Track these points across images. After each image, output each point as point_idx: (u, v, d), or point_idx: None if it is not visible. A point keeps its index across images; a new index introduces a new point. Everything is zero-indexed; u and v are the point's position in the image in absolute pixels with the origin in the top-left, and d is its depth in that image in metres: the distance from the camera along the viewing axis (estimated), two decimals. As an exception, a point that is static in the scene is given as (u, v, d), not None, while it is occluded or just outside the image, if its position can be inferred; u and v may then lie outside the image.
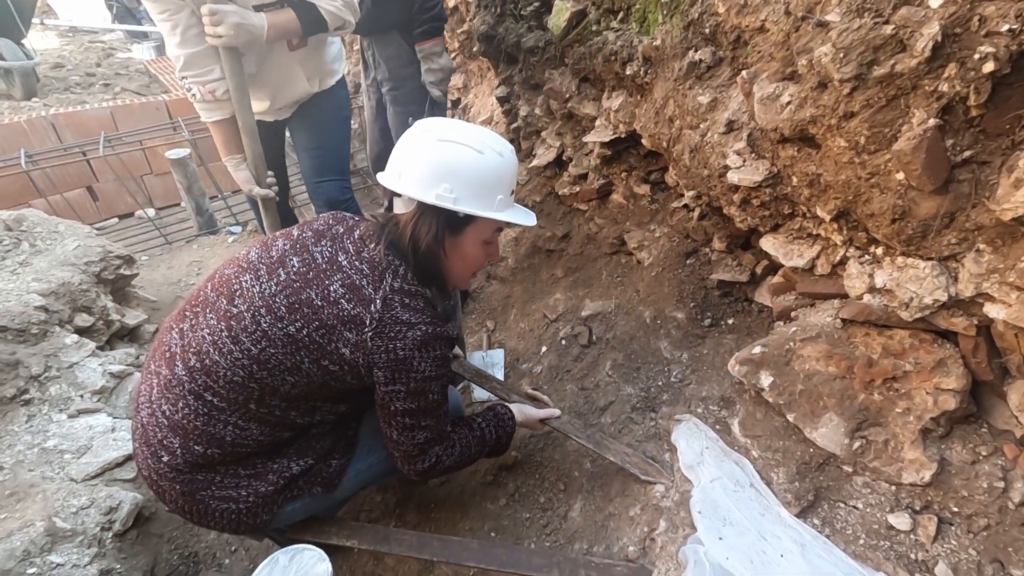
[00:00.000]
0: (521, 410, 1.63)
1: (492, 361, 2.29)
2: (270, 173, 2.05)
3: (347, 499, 1.59)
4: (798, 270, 1.43)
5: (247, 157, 1.98)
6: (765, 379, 1.38)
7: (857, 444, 1.25)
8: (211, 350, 1.16)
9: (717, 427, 1.57)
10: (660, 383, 1.81)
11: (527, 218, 1.31)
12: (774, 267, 1.74)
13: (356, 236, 1.26)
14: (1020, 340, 1.09)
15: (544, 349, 2.26)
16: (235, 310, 1.16)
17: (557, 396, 2.04)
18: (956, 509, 1.17)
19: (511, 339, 2.42)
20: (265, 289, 1.17)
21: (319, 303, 1.14)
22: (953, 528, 1.17)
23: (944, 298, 1.08)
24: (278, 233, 1.31)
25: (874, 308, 1.21)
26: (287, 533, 1.46)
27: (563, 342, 2.21)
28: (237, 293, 1.18)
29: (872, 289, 1.21)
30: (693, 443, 1.53)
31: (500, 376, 2.22)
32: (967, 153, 0.98)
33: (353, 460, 1.44)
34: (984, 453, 1.16)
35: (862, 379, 1.25)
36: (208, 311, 1.20)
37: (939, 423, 1.18)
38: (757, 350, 1.40)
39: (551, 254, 2.57)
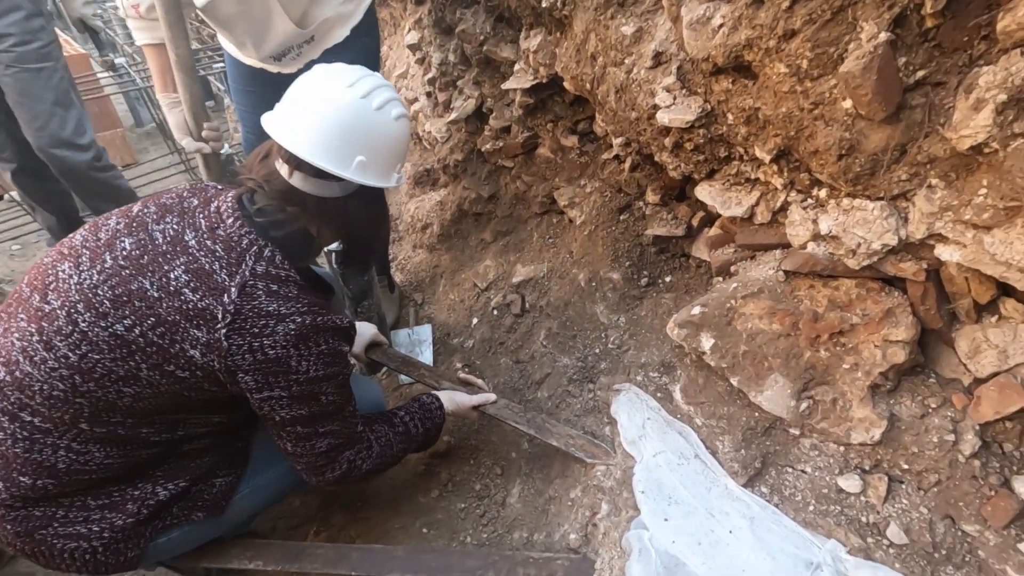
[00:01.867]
0: (451, 398, 1.45)
1: (419, 338, 2.10)
2: (215, 123, 1.65)
3: (251, 518, 1.39)
4: (736, 220, 1.30)
5: (181, 99, 1.60)
6: (706, 341, 1.26)
7: (804, 405, 1.16)
8: (21, 359, 0.91)
9: (659, 395, 1.45)
10: (597, 351, 1.68)
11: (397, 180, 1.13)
12: (711, 218, 1.61)
13: (212, 209, 1.02)
14: (971, 283, 1.00)
15: (475, 321, 2.09)
16: (47, 308, 0.91)
17: (491, 372, 1.89)
18: (906, 466, 1.10)
19: (440, 312, 2.23)
20: (84, 279, 0.92)
21: (155, 294, 0.91)
22: (904, 487, 1.10)
23: (894, 242, 0.97)
24: (116, 211, 1.05)
25: (819, 257, 1.09)
26: (176, 563, 1.24)
27: (495, 312, 2.04)
28: (51, 286, 0.93)
29: (816, 236, 1.09)
30: (634, 415, 1.41)
31: (428, 355, 2.04)
32: (921, 73, 0.85)
33: (246, 476, 1.23)
34: (933, 405, 1.08)
35: (807, 336, 1.14)
36: (20, 311, 0.95)
37: (887, 377, 1.09)
38: (696, 311, 1.27)
39: (479, 218, 2.37)
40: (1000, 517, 1.00)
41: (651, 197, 1.75)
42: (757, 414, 1.25)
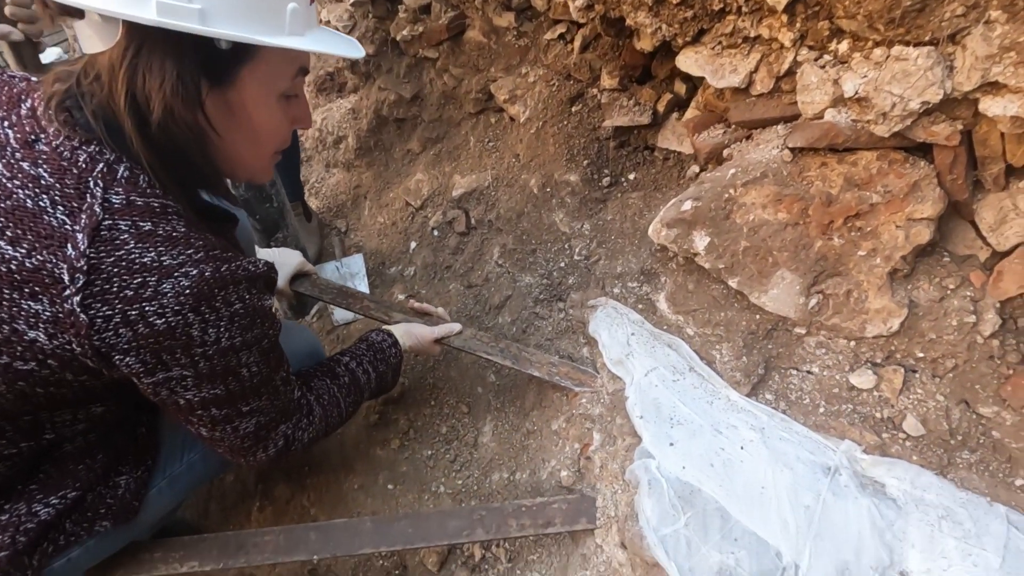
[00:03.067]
0: (408, 331, 1.21)
1: (351, 271, 1.81)
2: None
3: (176, 510, 1.13)
4: (726, 93, 1.10)
5: None
6: (700, 241, 1.09)
7: (813, 302, 1.03)
8: None
9: (640, 307, 1.29)
10: (563, 264, 1.48)
11: (345, 46, 0.79)
12: (680, 101, 1.40)
13: (25, 112, 0.68)
14: (1008, 144, 0.86)
15: (414, 245, 1.81)
16: None
17: (440, 300, 1.65)
18: (921, 354, 1.01)
19: (370, 239, 1.93)
20: None
21: None
22: (918, 376, 1.03)
23: (938, 97, 0.81)
24: None
25: (840, 127, 0.92)
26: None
27: (436, 233, 1.78)
28: None
29: (838, 101, 0.91)
30: (616, 332, 1.25)
31: (363, 289, 1.76)
32: None
33: (160, 466, 0.96)
34: (952, 286, 0.99)
35: (819, 223, 0.99)
36: None
37: (906, 261, 0.98)
38: (688, 206, 1.08)
39: (402, 124, 2.03)
40: (1019, 396, 0.94)
41: (607, 82, 1.50)
42: (759, 316, 1.12)
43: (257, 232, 1.49)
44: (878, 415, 1.02)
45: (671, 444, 1.05)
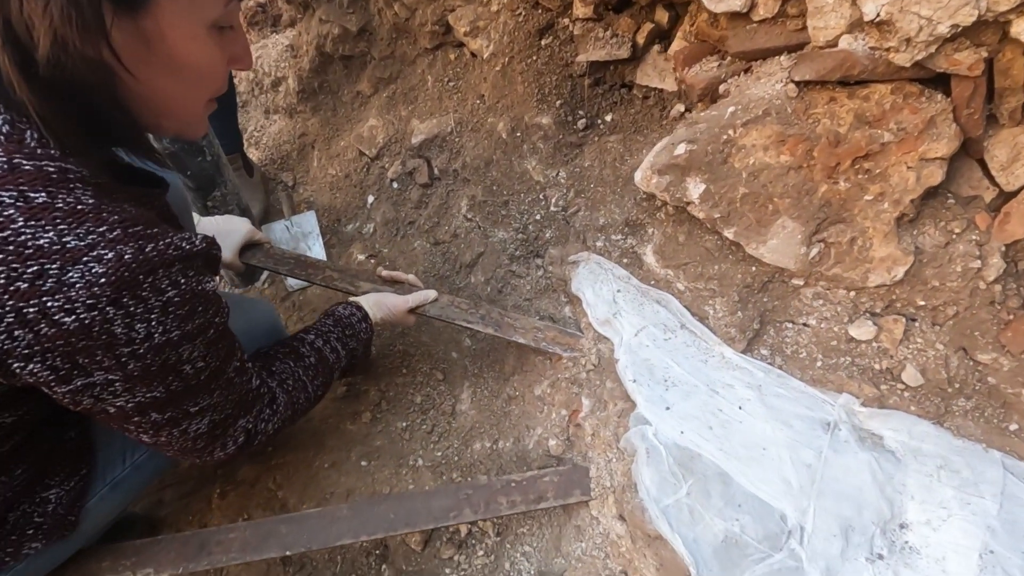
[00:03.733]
0: (378, 302, 1.09)
1: (302, 230, 1.64)
2: None
3: (122, 513, 1.00)
4: (722, 20, 0.98)
5: None
6: (694, 188, 0.99)
7: (815, 251, 0.97)
8: None
9: (625, 262, 1.20)
10: (538, 217, 1.37)
11: None
12: (661, 32, 1.27)
13: None
14: (1031, 72, 0.79)
15: (372, 200, 1.66)
16: None
17: (404, 261, 1.52)
18: (922, 303, 0.97)
19: (322, 194, 1.76)
20: None
21: None
22: (918, 324, 0.99)
23: (972, 18, 0.72)
24: None
25: (856, 56, 0.82)
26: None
27: (395, 185, 1.62)
28: None
29: (855, 26, 0.81)
30: (601, 289, 1.16)
31: (319, 250, 1.61)
32: None
33: (97, 474, 0.84)
34: (957, 231, 0.94)
35: (824, 165, 0.91)
36: None
37: (914, 205, 0.91)
38: (681, 149, 0.98)
39: (349, 62, 1.81)
40: (1018, 341, 0.92)
41: (580, 10, 1.35)
42: (755, 268, 1.05)
43: (190, 192, 1.31)
44: (877, 367, 0.99)
45: (667, 408, 0.99)
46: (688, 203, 1.02)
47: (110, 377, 0.58)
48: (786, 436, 0.95)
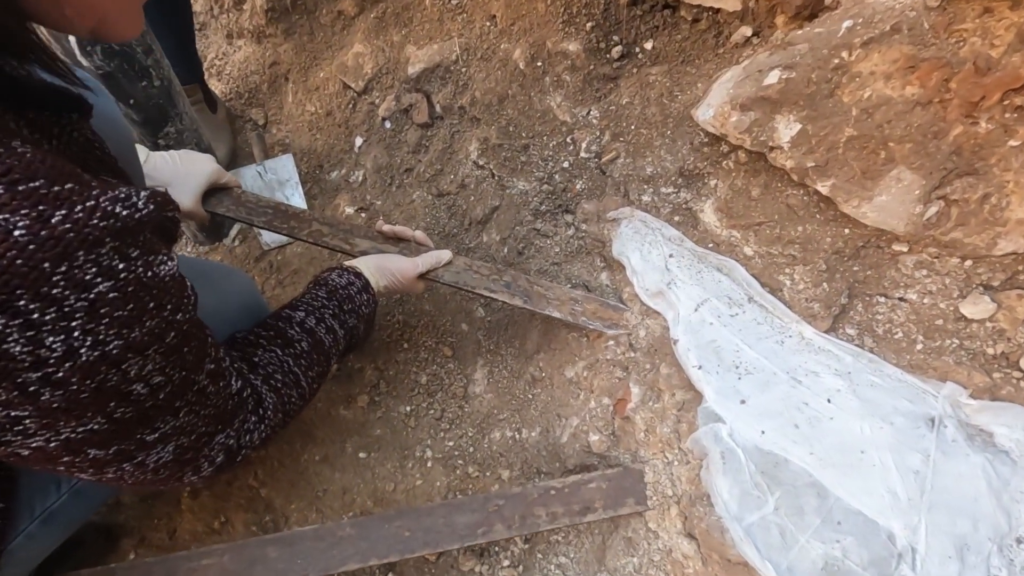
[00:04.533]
0: (381, 267, 0.88)
1: (278, 178, 1.39)
2: None
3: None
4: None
5: None
6: (786, 129, 0.79)
7: (933, 211, 0.78)
8: None
9: (677, 220, 1.00)
10: (566, 165, 1.15)
11: None
12: (724, -67, 1.02)
13: None
14: None
15: (360, 142, 1.40)
16: None
17: (401, 215, 1.29)
18: (1052, 274, 0.80)
19: (300, 135, 1.49)
20: None
21: None
22: (1042, 300, 0.82)
23: None
24: None
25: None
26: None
27: (388, 125, 1.37)
28: None
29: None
30: (650, 253, 0.96)
31: (298, 201, 1.37)
32: None
33: (20, 509, 0.64)
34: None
35: (964, 100, 0.71)
36: None
37: (1066, 152, 0.72)
38: (774, 77, 0.77)
39: (327, -25, 1.51)
40: None
41: (621, -94, 1.09)
42: (848, 231, 0.86)
43: (135, 126, 1.04)
44: (990, 351, 0.82)
45: (742, 402, 0.81)
46: (773, 148, 0.82)
47: (16, 414, 0.37)
48: (887, 436, 0.78)
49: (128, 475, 0.51)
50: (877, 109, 0.74)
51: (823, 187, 0.81)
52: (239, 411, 0.60)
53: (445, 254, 0.94)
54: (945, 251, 0.82)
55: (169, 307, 0.45)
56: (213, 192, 1.04)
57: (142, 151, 0.94)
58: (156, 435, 0.49)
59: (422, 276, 0.92)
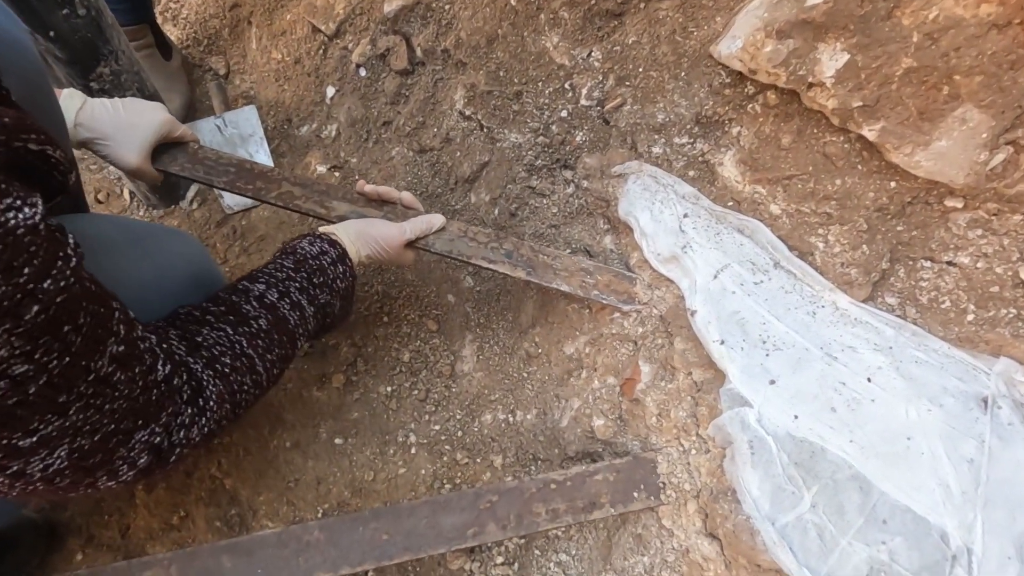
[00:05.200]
0: (363, 233, 0.76)
1: (240, 132, 1.24)
2: None
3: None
4: None
5: None
6: (831, 60, 0.66)
7: (1000, 158, 0.66)
8: None
9: (691, 175, 0.88)
10: (564, 114, 1.01)
11: None
12: None
13: None
14: None
15: (332, 92, 1.25)
16: None
17: (380, 174, 1.16)
18: None
19: (265, 86, 1.33)
20: None
21: None
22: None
23: None
24: None
25: None
26: None
27: (363, 72, 1.22)
28: None
29: None
30: (662, 213, 0.84)
31: (264, 159, 1.22)
32: None
33: None
34: None
35: (1050, 20, 0.59)
36: None
37: None
38: (818, -2, 0.63)
39: (291, -101, 1.33)
40: None
41: None
42: (895, 184, 0.74)
43: (60, 66, 0.89)
44: (1052, 321, 0.72)
45: (771, 382, 0.71)
46: (812, 85, 0.69)
47: None
48: (936, 420, 0.68)
49: (8, 487, 0.39)
50: (944, 34, 0.62)
51: (870, 131, 0.69)
52: (167, 403, 0.49)
53: (437, 219, 0.81)
54: (1007, 207, 0.71)
55: (26, 271, 0.32)
56: (166, 148, 0.90)
57: (77, 96, 0.80)
58: (34, 439, 0.37)
59: (410, 245, 0.80)
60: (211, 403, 0.54)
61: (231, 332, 0.59)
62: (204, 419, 0.53)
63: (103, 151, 0.81)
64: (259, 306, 0.63)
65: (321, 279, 0.67)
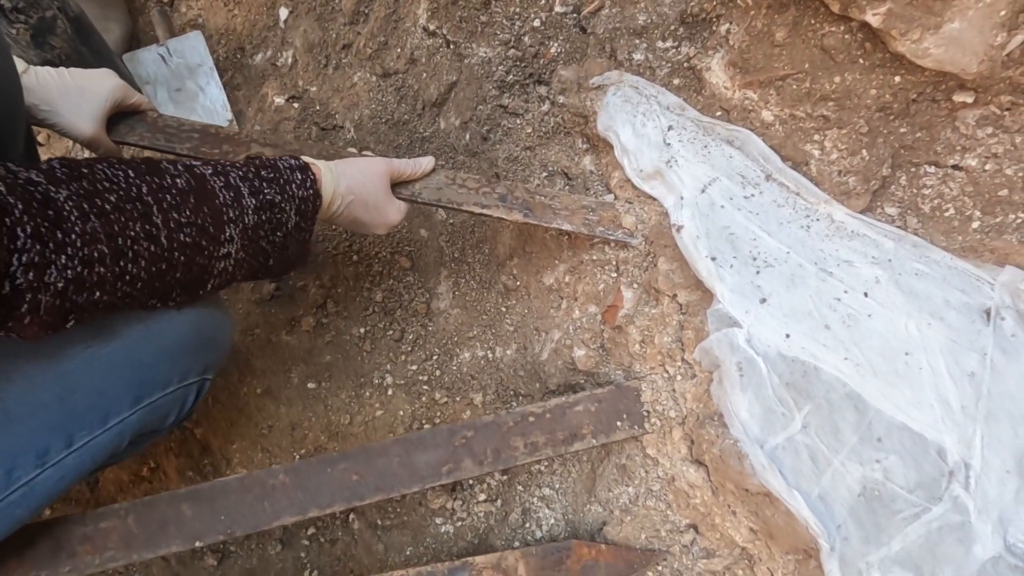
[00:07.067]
0: (341, 163, 0.69)
1: (186, 61, 1.14)
2: None
3: None
4: None
5: None
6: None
7: (1018, 40, 0.59)
8: None
9: (676, 83, 0.80)
10: (537, 23, 0.92)
11: None
12: None
13: None
14: None
15: (286, 15, 1.14)
16: None
17: (342, 103, 1.07)
18: None
19: (213, 12, 1.22)
20: None
21: None
22: None
23: None
24: None
25: None
26: None
27: (317, -10, 1.10)
28: None
29: None
30: (644, 126, 0.77)
31: (215, 92, 1.13)
32: None
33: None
34: None
35: None
36: None
37: None
38: None
39: None
40: None
41: None
42: (899, 79, 0.67)
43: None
44: (1063, 225, 0.67)
45: (762, 300, 0.66)
46: (810, -35, 0.61)
47: None
48: (937, 335, 0.64)
49: None
50: None
51: (874, 16, 0.61)
52: (27, 217, 0.42)
53: (426, 161, 0.74)
54: (1023, 99, 0.64)
55: None
56: (123, 118, 0.81)
57: (19, 63, 0.70)
58: None
59: (398, 196, 0.72)
60: (73, 238, 0.46)
61: (132, 175, 0.51)
62: (64, 258, 0.45)
63: (51, 119, 0.72)
64: (183, 169, 0.55)
65: (271, 175, 0.60)
